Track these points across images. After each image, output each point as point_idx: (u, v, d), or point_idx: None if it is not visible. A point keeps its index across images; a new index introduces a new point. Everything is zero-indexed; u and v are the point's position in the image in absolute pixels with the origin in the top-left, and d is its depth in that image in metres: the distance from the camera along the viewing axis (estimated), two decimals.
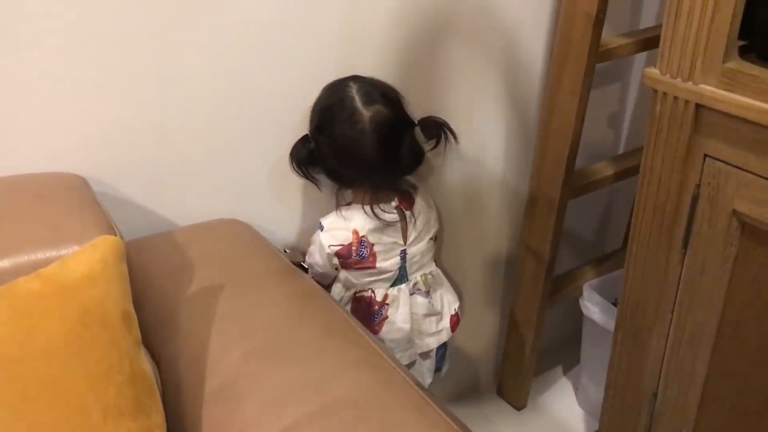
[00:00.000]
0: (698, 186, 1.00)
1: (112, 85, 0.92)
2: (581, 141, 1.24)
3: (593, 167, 1.37)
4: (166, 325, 0.79)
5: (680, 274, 1.07)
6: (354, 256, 1.07)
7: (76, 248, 0.70)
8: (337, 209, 1.08)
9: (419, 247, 1.13)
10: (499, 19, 1.22)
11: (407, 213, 1.10)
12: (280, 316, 0.79)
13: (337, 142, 1.02)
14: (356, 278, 1.11)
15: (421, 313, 1.16)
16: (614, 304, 1.36)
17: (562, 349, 1.70)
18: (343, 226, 1.07)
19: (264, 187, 1.10)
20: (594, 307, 1.41)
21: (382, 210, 1.06)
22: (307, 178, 1.07)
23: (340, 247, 1.06)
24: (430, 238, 1.15)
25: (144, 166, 0.99)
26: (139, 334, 0.68)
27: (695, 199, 1.01)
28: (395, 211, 1.08)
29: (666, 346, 1.13)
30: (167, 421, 0.73)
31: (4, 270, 0.69)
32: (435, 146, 1.11)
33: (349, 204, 1.10)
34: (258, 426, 0.66)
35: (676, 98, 0.97)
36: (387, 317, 1.13)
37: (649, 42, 1.24)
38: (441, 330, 1.20)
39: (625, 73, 1.48)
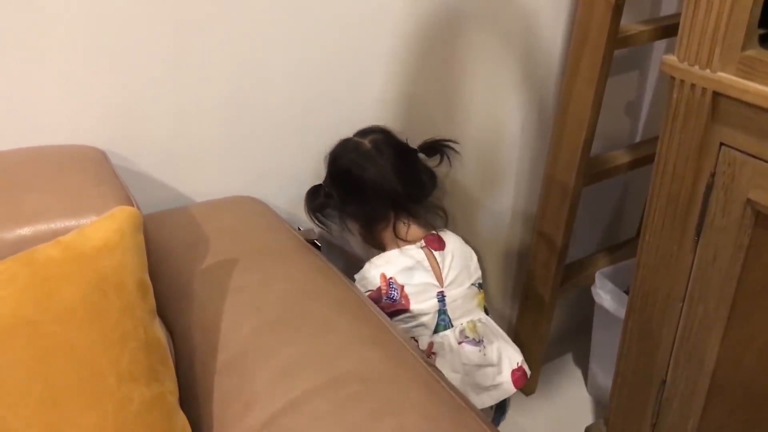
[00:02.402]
0: (713, 174, 0.99)
1: (133, 61, 0.93)
2: (597, 129, 1.24)
3: (609, 155, 1.36)
4: (181, 297, 0.81)
5: (692, 262, 1.07)
6: (385, 299, 1.07)
7: (94, 218, 0.71)
8: (368, 261, 1.11)
9: (459, 292, 1.10)
10: (518, 5, 1.22)
11: (437, 254, 1.10)
12: (293, 290, 0.80)
13: (347, 172, 1.07)
14: None
15: (473, 363, 1.09)
16: (626, 293, 1.36)
17: (574, 337, 1.71)
18: (371, 273, 1.09)
19: (280, 167, 1.11)
20: (606, 295, 1.41)
21: (407, 244, 1.09)
22: (320, 223, 1.12)
23: (370, 292, 1.07)
24: (472, 284, 1.13)
25: (162, 141, 1.01)
26: (154, 303, 0.69)
27: (709, 188, 1.00)
28: (422, 250, 1.10)
29: (676, 335, 1.13)
30: (180, 390, 0.75)
31: (24, 238, 0.70)
32: (441, 161, 1.14)
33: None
34: (266, 397, 0.68)
35: (693, 86, 0.97)
36: None
37: (669, 30, 1.23)
38: (499, 384, 1.12)
39: (643, 62, 1.47)
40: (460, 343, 1.09)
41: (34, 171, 0.79)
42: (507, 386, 1.12)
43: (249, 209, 0.99)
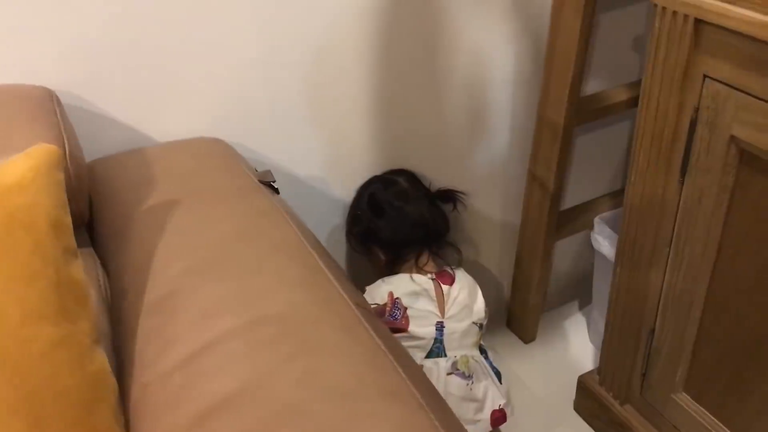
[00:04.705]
0: (697, 109, 0.93)
1: None
2: (601, 66, 1.16)
3: (605, 92, 1.29)
4: (120, 237, 0.80)
5: (678, 204, 1.01)
6: (387, 317, 1.14)
7: None
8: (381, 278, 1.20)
9: (459, 326, 1.16)
10: None
11: (444, 287, 1.18)
12: (229, 231, 0.78)
13: (386, 209, 1.18)
14: None
15: (458, 396, 1.14)
16: None
17: (580, 284, 1.66)
18: (382, 288, 1.18)
19: (247, 106, 1.08)
20: (604, 241, 1.35)
21: (419, 274, 1.18)
22: (361, 247, 1.23)
23: (375, 305, 1.16)
24: (473, 323, 1.19)
25: (123, 81, 0.98)
26: (73, 242, 0.68)
27: (693, 125, 0.94)
28: (431, 281, 1.18)
29: (663, 281, 1.08)
30: (114, 331, 0.74)
31: None
32: (453, 209, 1.26)
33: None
34: (184, 338, 0.66)
35: (675, 13, 0.89)
36: None
37: None
38: (478, 421, 1.17)
39: None
40: (449, 374, 1.14)
41: None
42: (484, 424, 1.18)
43: (207, 150, 0.97)
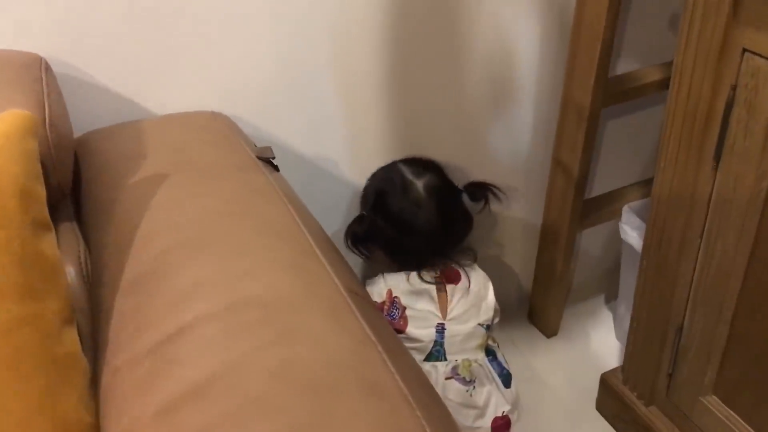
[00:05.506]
0: (734, 88, 0.85)
1: None
2: (635, 46, 1.08)
3: (636, 72, 1.20)
4: (103, 212, 0.75)
5: (711, 193, 0.93)
6: (385, 315, 1.09)
7: None
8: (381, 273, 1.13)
9: (462, 329, 1.09)
10: None
11: (449, 286, 1.10)
12: (217, 209, 0.72)
13: (395, 215, 1.09)
14: None
15: (456, 401, 1.07)
16: None
17: (606, 278, 1.58)
18: (380, 285, 1.11)
19: (250, 80, 1.03)
20: (632, 231, 1.27)
21: (422, 277, 1.10)
22: (361, 254, 1.15)
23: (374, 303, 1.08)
24: (479, 324, 1.11)
25: (123, 51, 0.94)
26: (45, 215, 0.64)
27: (730, 105, 0.86)
28: (433, 280, 1.10)
29: (693, 276, 1.00)
30: (93, 310, 0.70)
31: None
32: (483, 208, 1.15)
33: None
34: (159, 321, 0.61)
35: None
36: None
37: None
38: (477, 428, 1.09)
39: None
40: (448, 378, 1.08)
41: None
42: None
43: (205, 124, 0.92)
